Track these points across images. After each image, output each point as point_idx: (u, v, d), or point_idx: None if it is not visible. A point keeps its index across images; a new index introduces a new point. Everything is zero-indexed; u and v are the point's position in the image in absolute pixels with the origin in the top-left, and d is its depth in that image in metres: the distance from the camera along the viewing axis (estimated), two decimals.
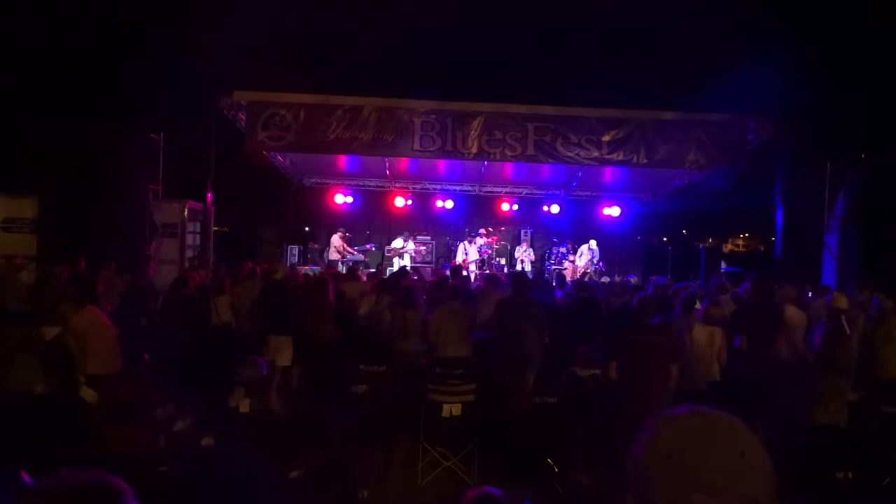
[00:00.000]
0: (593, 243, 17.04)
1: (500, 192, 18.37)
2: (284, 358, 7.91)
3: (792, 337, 7.25)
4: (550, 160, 12.45)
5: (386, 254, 17.75)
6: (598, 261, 16.91)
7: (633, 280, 15.73)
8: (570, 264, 17.08)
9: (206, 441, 5.03)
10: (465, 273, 13.23)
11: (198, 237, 14.26)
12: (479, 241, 17.70)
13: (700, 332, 6.87)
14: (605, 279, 15.49)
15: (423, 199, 18.51)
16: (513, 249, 18.68)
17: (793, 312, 7.50)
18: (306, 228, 20.60)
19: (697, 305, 7.88)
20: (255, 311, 8.35)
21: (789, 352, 7.18)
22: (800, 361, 7.24)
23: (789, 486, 1.01)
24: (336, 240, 16.67)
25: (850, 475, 5.25)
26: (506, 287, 10.55)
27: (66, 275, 8.91)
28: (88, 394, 6.27)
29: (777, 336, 7.00)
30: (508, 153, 12.28)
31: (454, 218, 18.77)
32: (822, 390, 5.23)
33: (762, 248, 30.00)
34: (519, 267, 17.33)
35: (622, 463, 1.09)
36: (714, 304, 7.26)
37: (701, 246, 24.99)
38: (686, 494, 0.94)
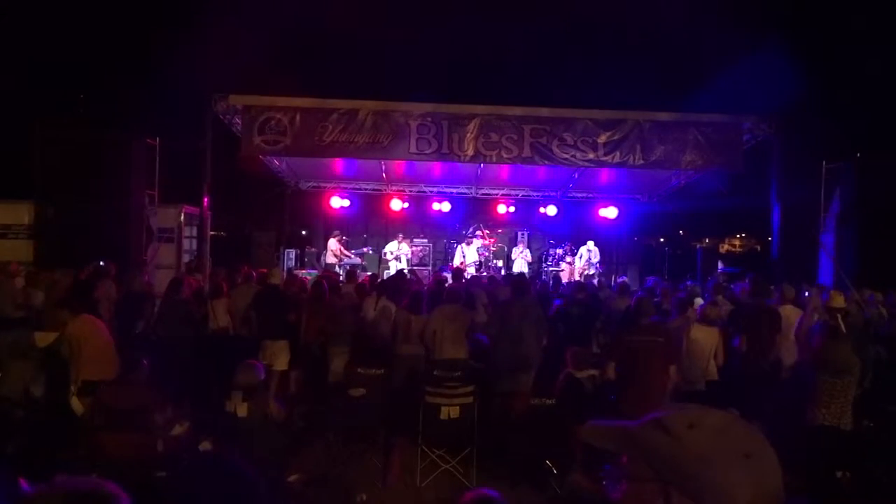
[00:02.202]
0: (591, 244, 17.04)
1: (497, 195, 18.37)
2: (281, 362, 7.90)
3: (790, 336, 7.25)
4: (546, 162, 12.44)
5: (382, 257, 17.74)
6: (597, 262, 16.91)
7: (625, 280, 15.74)
8: (568, 266, 17.08)
9: (204, 445, 5.01)
10: (466, 276, 13.23)
11: (194, 242, 14.23)
12: (477, 242, 17.70)
13: (698, 332, 6.89)
14: (595, 280, 15.46)
15: (419, 202, 18.50)
16: (510, 251, 18.70)
17: (790, 311, 7.51)
18: (303, 232, 20.59)
19: (699, 301, 7.91)
20: (250, 315, 8.34)
21: (787, 351, 7.19)
22: (798, 361, 7.26)
23: (788, 486, 1.01)
24: (333, 243, 16.65)
25: (847, 474, 5.25)
26: (485, 288, 10.57)
27: (61, 281, 8.90)
28: (77, 405, 6.25)
29: (776, 336, 7.01)
30: (504, 155, 12.27)
31: (451, 220, 18.78)
32: (822, 391, 5.19)
33: (759, 248, 30.06)
34: (516, 268, 17.34)
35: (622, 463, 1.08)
36: (712, 304, 7.28)
37: (698, 246, 25.02)
38: (763, 493, 0.95)
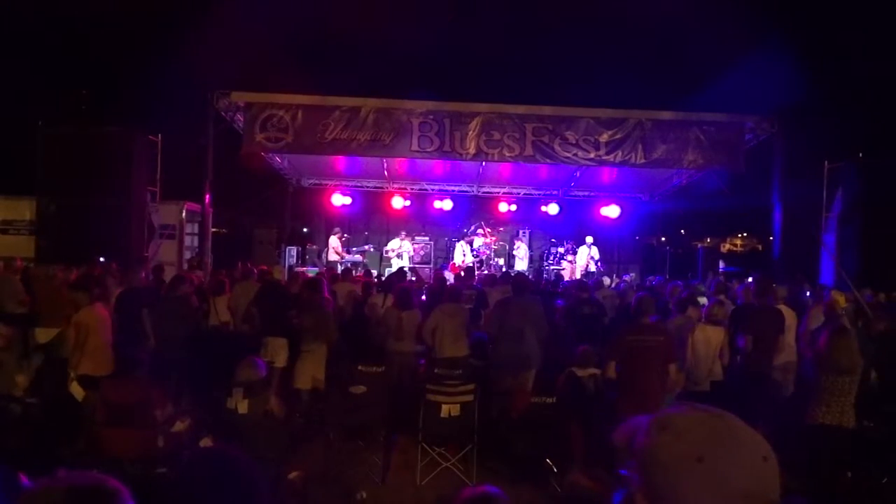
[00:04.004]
0: (590, 240, 17.01)
1: (498, 193, 18.37)
2: (282, 359, 7.88)
3: (785, 337, 7.24)
4: (548, 161, 12.44)
5: (384, 255, 17.74)
6: (598, 260, 16.89)
7: (628, 279, 15.73)
8: (570, 264, 17.07)
9: (205, 442, 5.02)
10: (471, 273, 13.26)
11: (196, 238, 14.24)
12: (478, 241, 17.72)
13: (702, 332, 6.88)
14: (600, 278, 15.46)
15: (421, 200, 18.49)
16: (511, 249, 18.71)
17: (784, 312, 7.49)
18: (304, 230, 20.58)
19: (703, 301, 7.87)
20: (251, 312, 8.32)
21: (783, 351, 7.19)
22: (797, 361, 7.25)
23: (791, 486, 1.00)
24: (334, 241, 16.65)
25: (849, 474, 5.24)
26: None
27: (60, 276, 8.89)
28: (77, 390, 6.24)
29: (780, 336, 7.00)
30: (506, 154, 12.28)
31: (452, 218, 18.76)
32: (824, 390, 5.17)
33: (760, 248, 30.03)
34: (517, 267, 17.36)
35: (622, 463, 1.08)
36: (718, 304, 7.26)
37: (699, 246, 25.03)
38: (719, 498, 0.93)
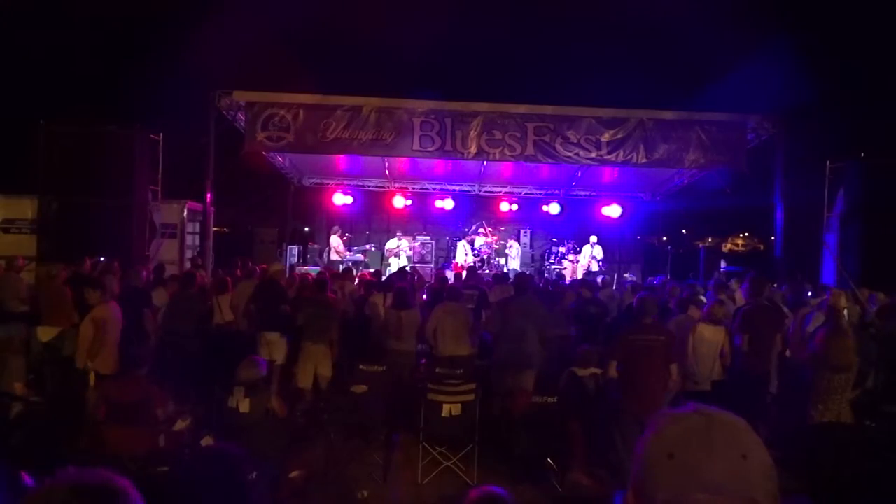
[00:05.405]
0: (594, 239, 17.00)
1: (500, 192, 18.35)
2: (281, 356, 7.89)
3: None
4: (550, 160, 12.45)
5: (384, 254, 17.75)
6: (600, 260, 16.88)
7: (628, 276, 15.73)
8: (571, 264, 17.07)
9: (206, 441, 5.03)
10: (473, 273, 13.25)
11: (197, 238, 14.24)
12: (479, 240, 17.70)
13: (704, 332, 6.88)
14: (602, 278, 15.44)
15: (422, 199, 18.48)
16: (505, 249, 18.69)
17: None
18: (306, 229, 20.59)
19: (703, 299, 7.88)
20: (250, 309, 8.34)
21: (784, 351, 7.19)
22: (795, 360, 7.25)
23: (791, 484, 1.01)
24: (335, 240, 16.66)
25: (850, 474, 5.24)
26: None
27: (62, 275, 8.90)
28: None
29: (776, 335, 7.00)
30: (508, 153, 12.28)
31: (454, 218, 18.75)
32: (820, 388, 5.17)
33: (762, 248, 30.00)
34: (511, 266, 17.34)
35: (621, 461, 1.10)
36: (719, 303, 7.25)
37: (700, 245, 25.02)
38: (686, 493, 0.94)
